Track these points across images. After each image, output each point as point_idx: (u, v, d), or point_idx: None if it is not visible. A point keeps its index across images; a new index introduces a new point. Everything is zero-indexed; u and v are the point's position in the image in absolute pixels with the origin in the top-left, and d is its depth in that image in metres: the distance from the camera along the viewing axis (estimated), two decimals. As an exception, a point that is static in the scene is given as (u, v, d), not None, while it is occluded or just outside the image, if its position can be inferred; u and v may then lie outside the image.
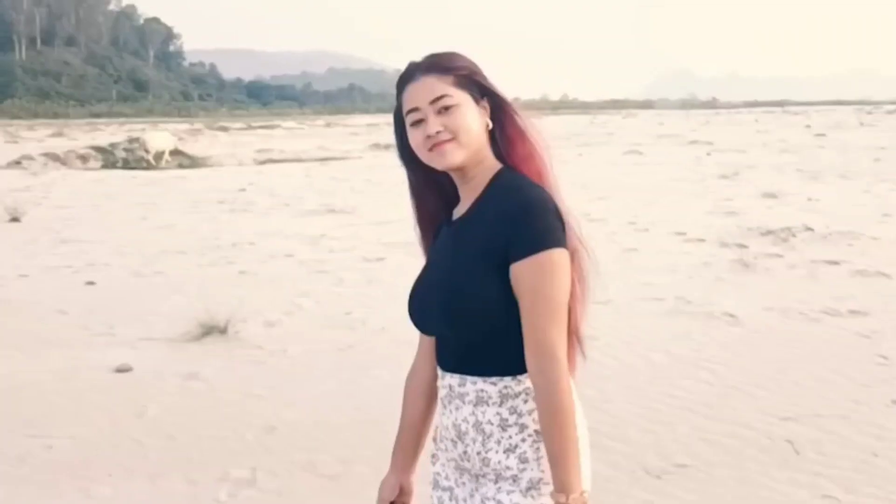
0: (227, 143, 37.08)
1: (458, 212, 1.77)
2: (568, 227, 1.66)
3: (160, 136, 26.17)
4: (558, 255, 1.60)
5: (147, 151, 24.08)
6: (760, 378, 5.17)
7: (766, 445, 4.16)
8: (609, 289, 7.57)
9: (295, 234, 11.30)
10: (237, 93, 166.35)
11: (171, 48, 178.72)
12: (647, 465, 3.95)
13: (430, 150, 1.68)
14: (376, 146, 30.93)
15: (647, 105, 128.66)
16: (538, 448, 1.64)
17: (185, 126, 50.54)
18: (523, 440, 1.66)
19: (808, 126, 43.83)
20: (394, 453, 1.95)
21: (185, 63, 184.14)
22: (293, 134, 45.74)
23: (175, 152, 25.44)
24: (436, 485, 1.84)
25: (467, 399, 1.70)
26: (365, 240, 10.67)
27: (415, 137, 1.70)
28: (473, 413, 1.69)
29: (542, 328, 1.59)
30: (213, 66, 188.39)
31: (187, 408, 4.87)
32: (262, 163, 25.77)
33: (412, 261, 1.89)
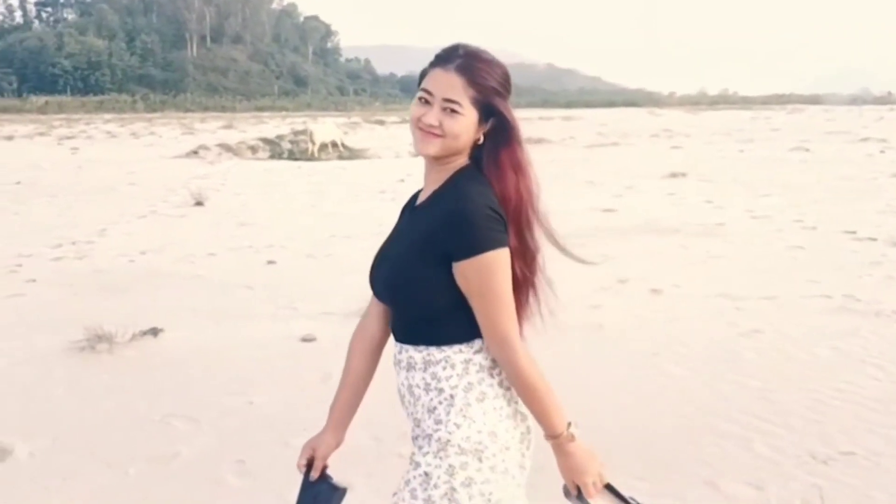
0: (384, 135, 38.24)
1: (421, 197, 1.98)
2: (519, 232, 1.86)
3: (326, 127, 27.15)
4: (497, 255, 1.78)
5: (313, 143, 25.23)
6: (934, 377, 5.06)
7: (939, 441, 4.11)
8: (775, 285, 7.51)
9: (454, 223, 11.65)
10: (390, 87, 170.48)
11: (329, 45, 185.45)
12: (812, 450, 4.01)
13: (418, 128, 1.88)
14: (528, 140, 30.95)
15: (813, 100, 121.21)
16: (449, 411, 1.84)
17: (342, 119, 52.43)
18: (440, 402, 1.86)
19: None
20: (332, 409, 2.10)
21: (342, 59, 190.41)
22: (446, 128, 46.39)
23: (337, 143, 26.51)
24: None
25: (402, 365, 1.93)
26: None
27: (415, 110, 1.87)
28: (407, 378, 1.92)
29: (494, 320, 1.80)
30: (367, 62, 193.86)
31: (368, 376, 5.28)
32: (416, 155, 26.34)
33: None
